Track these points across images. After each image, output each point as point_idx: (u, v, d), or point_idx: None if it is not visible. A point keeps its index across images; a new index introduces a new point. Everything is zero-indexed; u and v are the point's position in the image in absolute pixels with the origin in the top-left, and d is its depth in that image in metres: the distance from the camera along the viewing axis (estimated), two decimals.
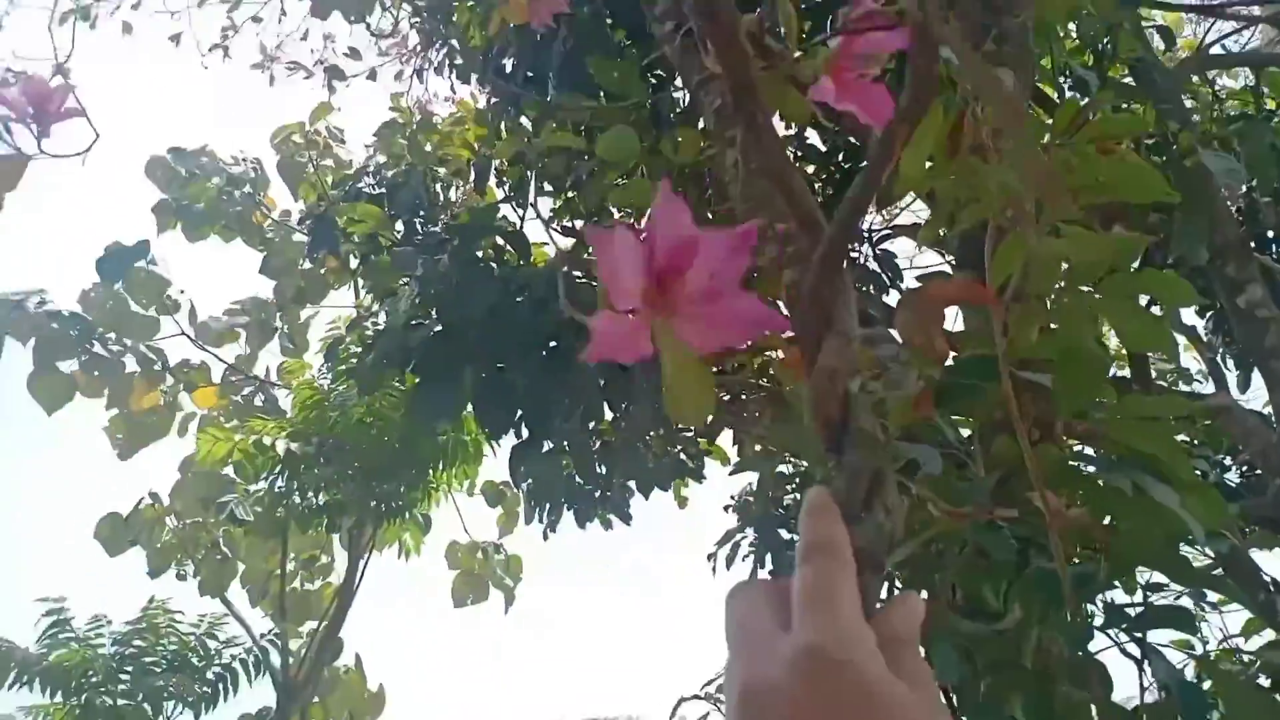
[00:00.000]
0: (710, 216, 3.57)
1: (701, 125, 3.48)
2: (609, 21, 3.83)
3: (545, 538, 3.79)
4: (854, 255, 3.60)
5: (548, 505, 3.59)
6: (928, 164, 1.41)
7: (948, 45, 0.73)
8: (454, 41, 4.52)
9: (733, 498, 3.81)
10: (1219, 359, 3.41)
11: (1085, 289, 0.97)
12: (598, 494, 3.71)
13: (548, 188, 4.38)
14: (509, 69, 4.14)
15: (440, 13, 4.53)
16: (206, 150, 5.64)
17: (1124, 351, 2.74)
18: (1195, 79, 3.15)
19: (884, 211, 3.45)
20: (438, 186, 4.88)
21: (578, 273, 3.88)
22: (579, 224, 4.35)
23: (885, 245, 3.35)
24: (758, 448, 3.47)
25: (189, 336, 4.22)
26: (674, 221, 0.49)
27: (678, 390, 0.57)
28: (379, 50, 5.32)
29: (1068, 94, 2.79)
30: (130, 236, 4.62)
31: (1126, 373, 2.86)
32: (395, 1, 5.12)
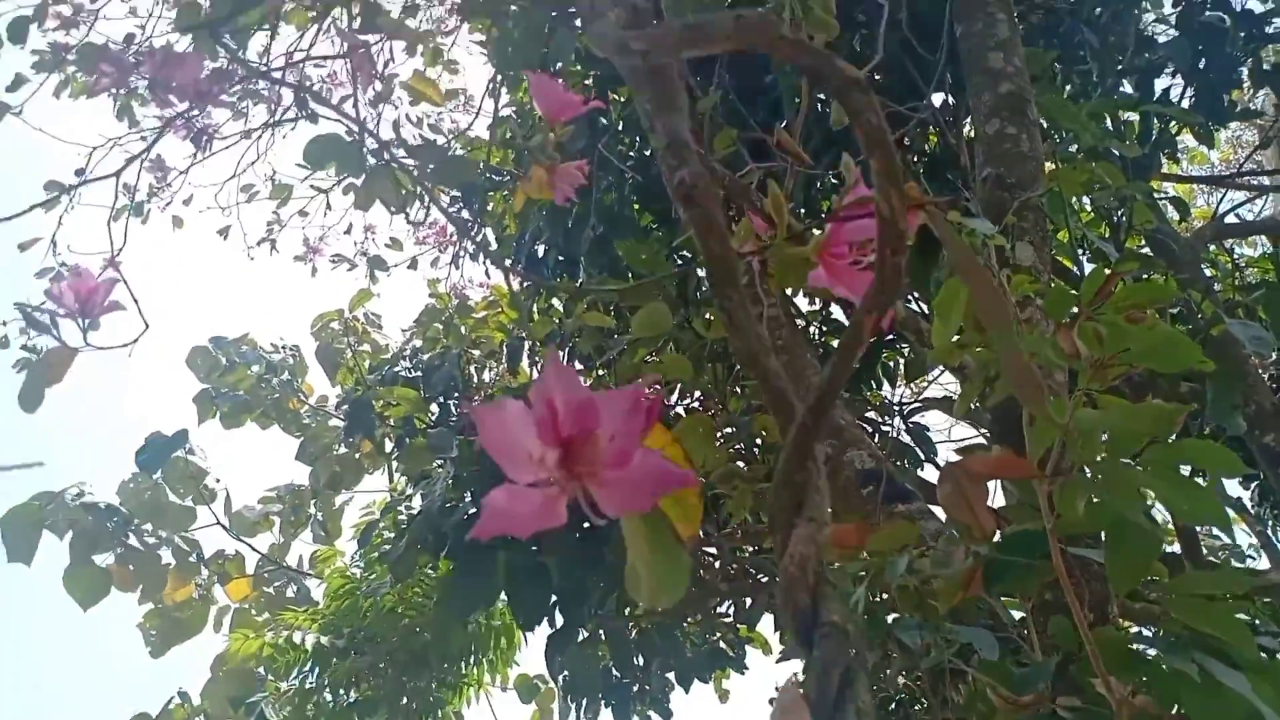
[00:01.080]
0: (740, 390, 3.60)
1: None
2: (635, 206, 4.00)
3: None
4: (886, 429, 3.59)
5: (584, 700, 3.45)
6: (955, 337, 1.42)
7: (936, 230, 0.75)
8: (488, 230, 4.72)
9: (777, 689, 3.63)
10: (1269, 531, 3.30)
11: (1127, 461, 0.94)
12: (636, 688, 3.56)
13: (579, 366, 4.46)
14: (541, 254, 4.31)
15: (475, 202, 4.76)
16: (247, 339, 5.81)
17: (1170, 525, 2.66)
18: (1213, 247, 3.20)
19: (913, 384, 3.45)
20: (472, 368, 4.98)
21: None
22: None
23: (917, 418, 3.33)
24: None
25: (224, 527, 4.22)
26: (568, 386, 0.48)
27: (639, 567, 0.54)
28: (416, 239, 5.56)
29: (1087, 266, 2.84)
30: (170, 425, 4.73)
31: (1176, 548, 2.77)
32: (433, 194, 5.39)
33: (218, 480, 4.46)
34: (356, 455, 5.42)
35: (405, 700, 4.43)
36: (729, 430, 3.44)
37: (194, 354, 5.43)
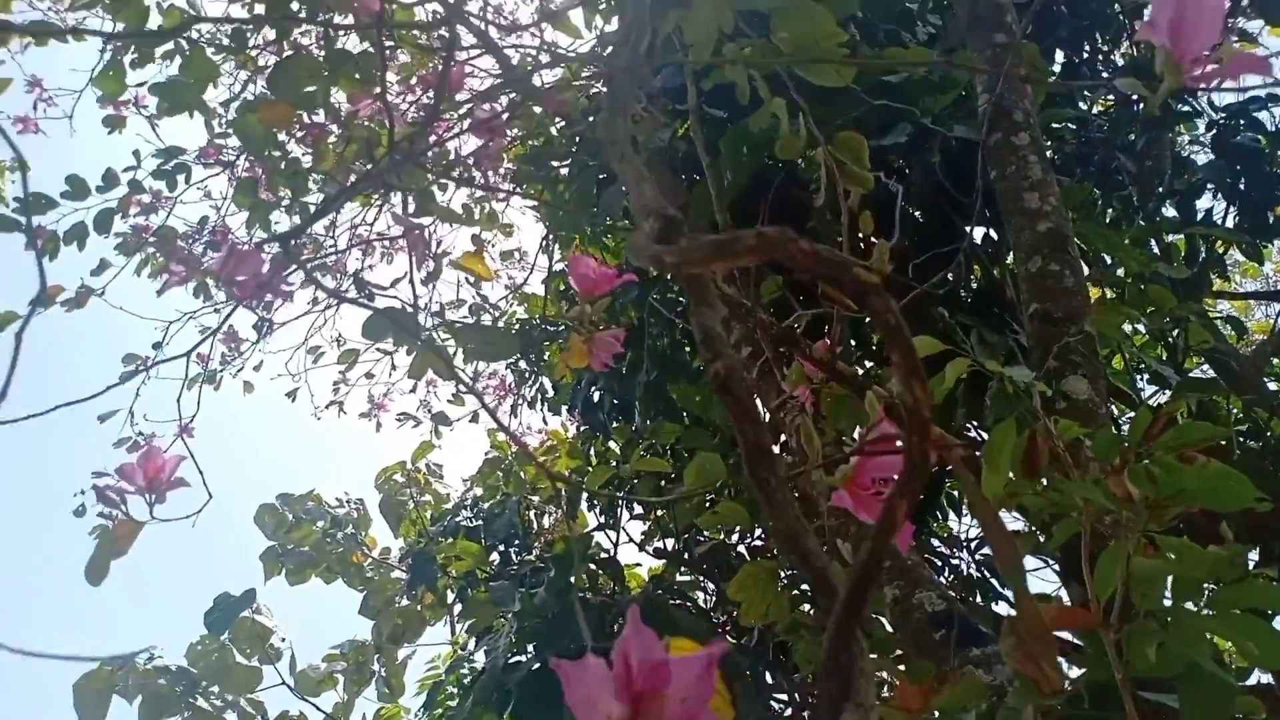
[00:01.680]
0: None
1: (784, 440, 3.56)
2: (687, 350, 4.07)
3: None
4: (955, 562, 3.50)
5: None
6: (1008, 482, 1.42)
7: (956, 471, 0.77)
8: (544, 378, 4.83)
9: None
10: None
11: (1192, 606, 0.93)
12: None
13: (637, 509, 4.46)
14: (596, 399, 4.38)
15: (532, 352, 4.89)
16: (313, 494, 5.92)
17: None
18: (1276, 361, 3.14)
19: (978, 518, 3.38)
20: (531, 514, 5.00)
21: (669, 595, 3.83)
22: (669, 543, 4.36)
23: (986, 550, 3.25)
24: None
25: (289, 687, 4.21)
26: (646, 648, 0.51)
27: None
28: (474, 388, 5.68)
29: (1148, 388, 2.80)
30: (237, 584, 4.78)
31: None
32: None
33: (283, 639, 4.47)
34: (419, 607, 5.41)
35: None
36: (793, 571, 3.39)
37: (261, 512, 5.55)
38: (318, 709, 4.55)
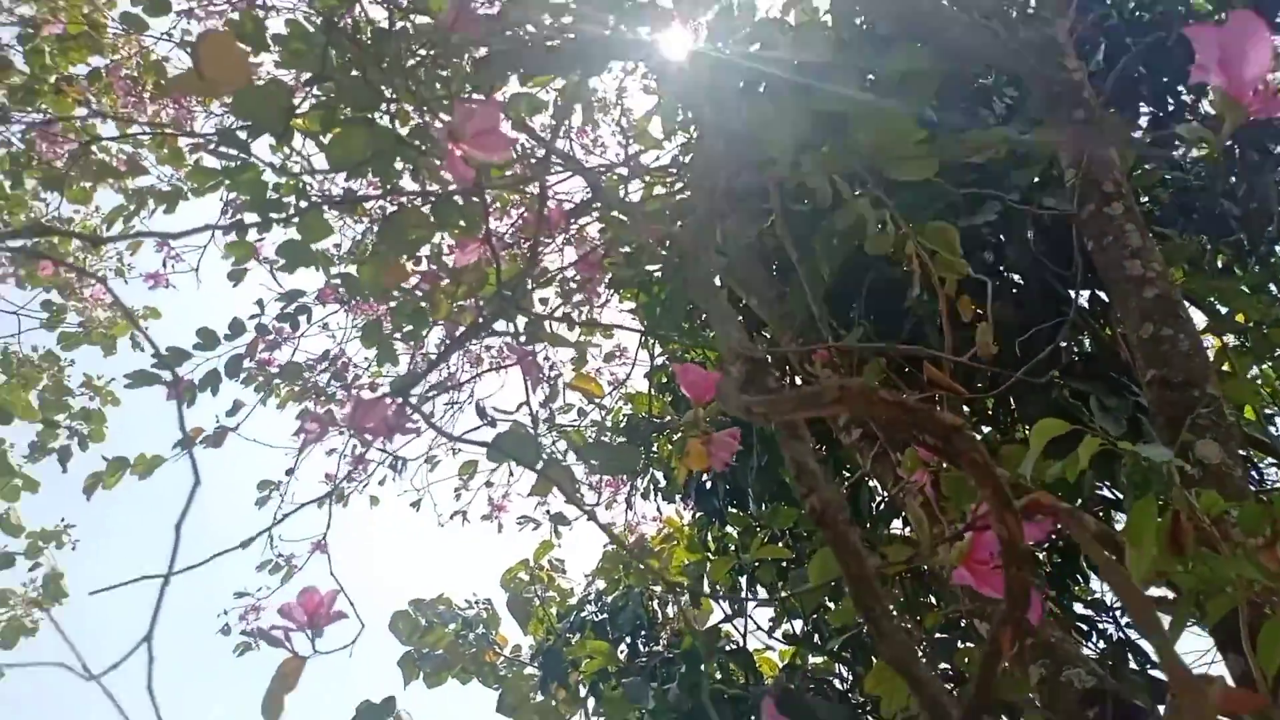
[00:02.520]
0: (937, 604, 3.46)
1: (905, 524, 3.50)
2: None
3: None
4: (1104, 626, 3.35)
5: None
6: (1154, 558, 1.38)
7: (1075, 535, 0.78)
8: (656, 471, 4.87)
9: None
10: None
11: None
12: None
13: (762, 593, 4.42)
14: (709, 486, 4.39)
15: (642, 444, 4.96)
16: (442, 598, 6.07)
17: None
18: None
19: None
20: (655, 604, 5.00)
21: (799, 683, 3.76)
22: (798, 625, 4.30)
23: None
24: None
25: None
26: None
27: None
28: (590, 486, 5.78)
29: None
30: (376, 691, 4.90)
31: None
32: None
33: None
34: (554, 703, 5.44)
35: None
36: (925, 649, 3.29)
37: (395, 618, 5.70)
38: None
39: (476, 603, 6.06)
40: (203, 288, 4.86)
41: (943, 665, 3.38)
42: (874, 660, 2.47)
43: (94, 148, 4.20)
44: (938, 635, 3.18)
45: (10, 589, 6.85)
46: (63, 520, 6.70)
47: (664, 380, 4.27)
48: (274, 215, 2.12)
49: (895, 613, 3.78)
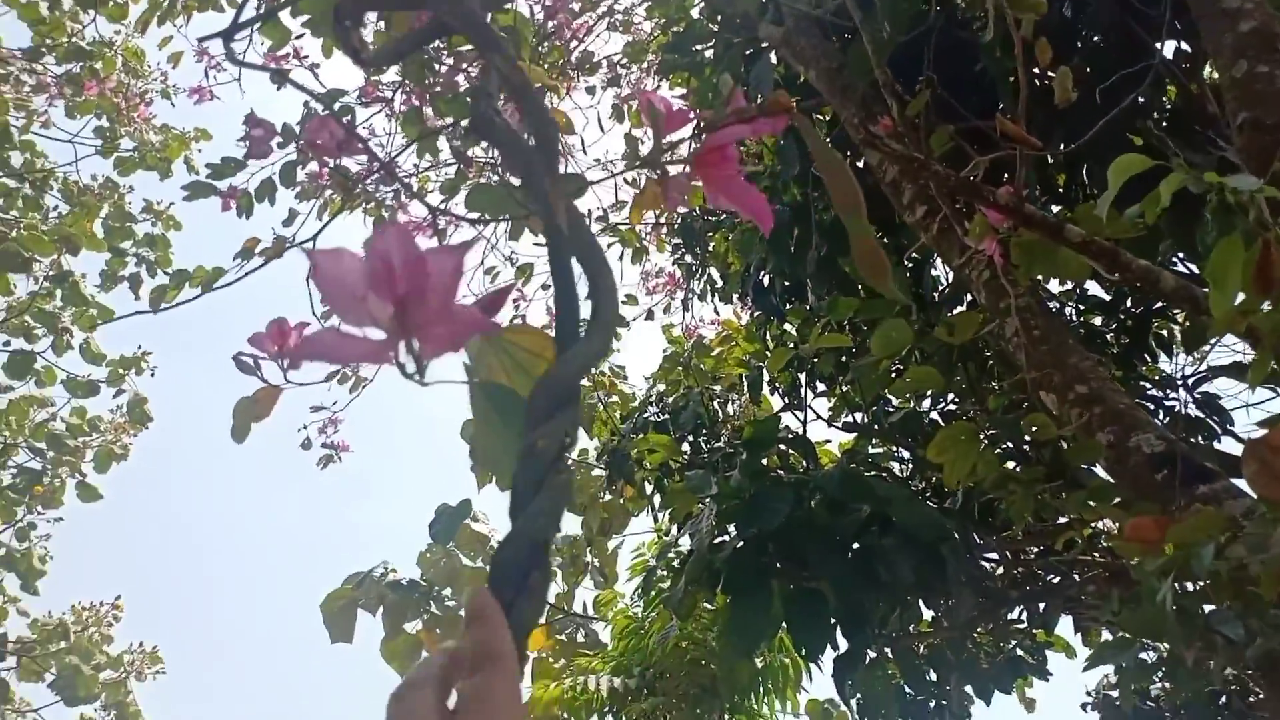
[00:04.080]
0: (999, 387, 3.44)
1: (970, 300, 3.43)
2: None
3: None
4: (1171, 403, 3.31)
5: None
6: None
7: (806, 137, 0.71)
8: (712, 269, 4.82)
9: (1089, 693, 3.41)
10: None
11: None
12: (933, 704, 3.45)
13: (820, 387, 4.43)
14: (767, 282, 4.34)
15: (697, 244, 4.89)
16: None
17: None
18: None
19: (1195, 353, 3.17)
20: (715, 404, 5.07)
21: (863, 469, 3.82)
22: (859, 416, 4.33)
23: (1205, 387, 3.05)
24: (1106, 635, 3.11)
25: None
26: (405, 247, 0.52)
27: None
28: (647, 290, 5.77)
29: None
30: (453, 496, 5.13)
31: None
32: (659, 243, 5.60)
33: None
34: (621, 500, 5.65)
35: None
36: (992, 430, 3.30)
37: (465, 426, 5.89)
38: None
39: None
40: (247, 98, 4.79)
41: (1006, 444, 3.40)
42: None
43: None
44: (1004, 415, 3.16)
45: (99, 415, 7.23)
46: (139, 347, 6.96)
47: None
48: None
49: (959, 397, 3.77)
